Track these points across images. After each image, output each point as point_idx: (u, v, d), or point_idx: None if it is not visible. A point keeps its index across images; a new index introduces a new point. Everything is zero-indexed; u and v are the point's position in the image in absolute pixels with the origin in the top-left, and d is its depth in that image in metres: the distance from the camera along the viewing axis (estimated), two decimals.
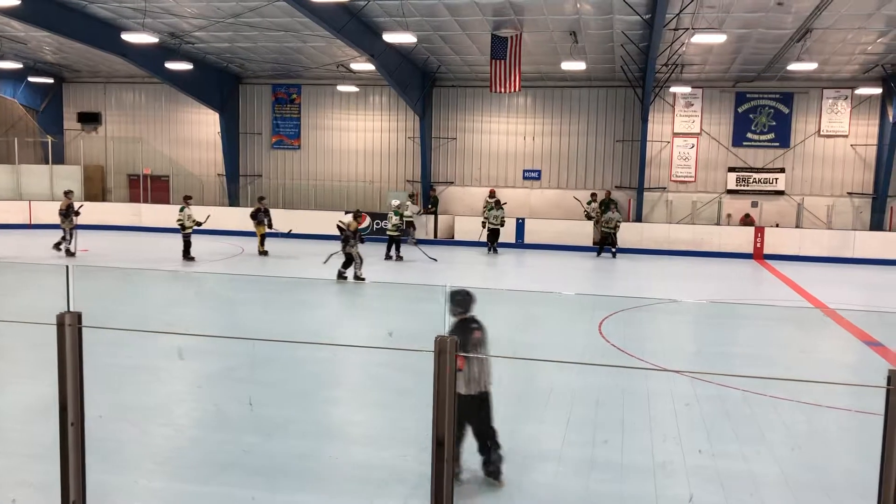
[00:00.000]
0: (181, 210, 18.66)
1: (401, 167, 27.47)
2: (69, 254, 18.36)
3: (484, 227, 22.33)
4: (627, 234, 23.17)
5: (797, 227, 23.81)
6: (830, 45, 19.83)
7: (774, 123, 24.77)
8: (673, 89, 24.39)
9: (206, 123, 28.52)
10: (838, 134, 24.43)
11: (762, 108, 24.78)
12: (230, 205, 27.70)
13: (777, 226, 23.79)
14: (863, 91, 23.60)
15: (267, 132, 28.42)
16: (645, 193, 25.13)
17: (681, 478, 5.59)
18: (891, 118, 23.22)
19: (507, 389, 8.30)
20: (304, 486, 5.39)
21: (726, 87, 24.85)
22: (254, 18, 19.16)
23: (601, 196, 25.46)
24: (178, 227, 18.61)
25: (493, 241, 21.91)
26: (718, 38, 17.62)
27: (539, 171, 26.51)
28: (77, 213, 18.63)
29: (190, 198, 19.47)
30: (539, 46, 21.15)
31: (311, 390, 7.88)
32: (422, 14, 18.48)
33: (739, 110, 24.96)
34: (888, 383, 2.75)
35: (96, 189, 29.05)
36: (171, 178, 29.11)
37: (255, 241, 20.17)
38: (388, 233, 19.87)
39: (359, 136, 27.68)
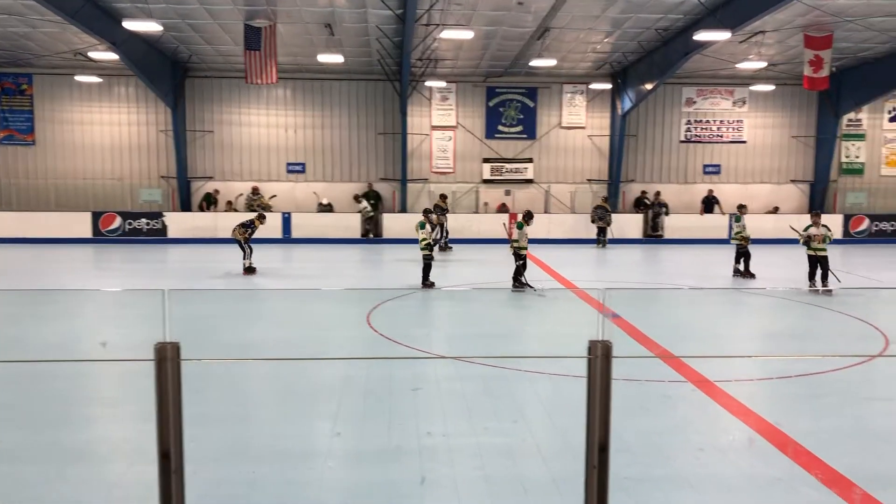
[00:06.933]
0: (421, 227, 14.64)
1: (153, 162, 25.79)
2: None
3: (517, 257, 14.40)
4: (394, 224, 23.84)
5: (546, 212, 25.70)
6: (566, 43, 21.59)
7: (522, 116, 26.52)
8: (429, 83, 25.21)
9: None
10: (577, 126, 26.71)
11: (510, 102, 26.42)
12: None
13: None
14: (596, 86, 25.97)
15: None
16: (408, 185, 25.80)
17: (443, 457, 5.80)
18: (619, 111, 25.82)
19: (274, 388, 8.13)
20: None
21: (478, 81, 26.17)
22: None
23: (362, 190, 25.74)
24: (422, 248, 14.62)
25: (521, 275, 14.36)
26: (466, 35, 18.50)
27: (303, 164, 26.20)
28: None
29: (431, 211, 16.01)
30: (295, 38, 20.87)
31: (45, 410, 7.13)
32: (167, 0, 17.45)
33: (490, 104, 26.41)
34: (589, 353, 3.05)
35: None
36: None
37: None
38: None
39: (104, 129, 25.56)
